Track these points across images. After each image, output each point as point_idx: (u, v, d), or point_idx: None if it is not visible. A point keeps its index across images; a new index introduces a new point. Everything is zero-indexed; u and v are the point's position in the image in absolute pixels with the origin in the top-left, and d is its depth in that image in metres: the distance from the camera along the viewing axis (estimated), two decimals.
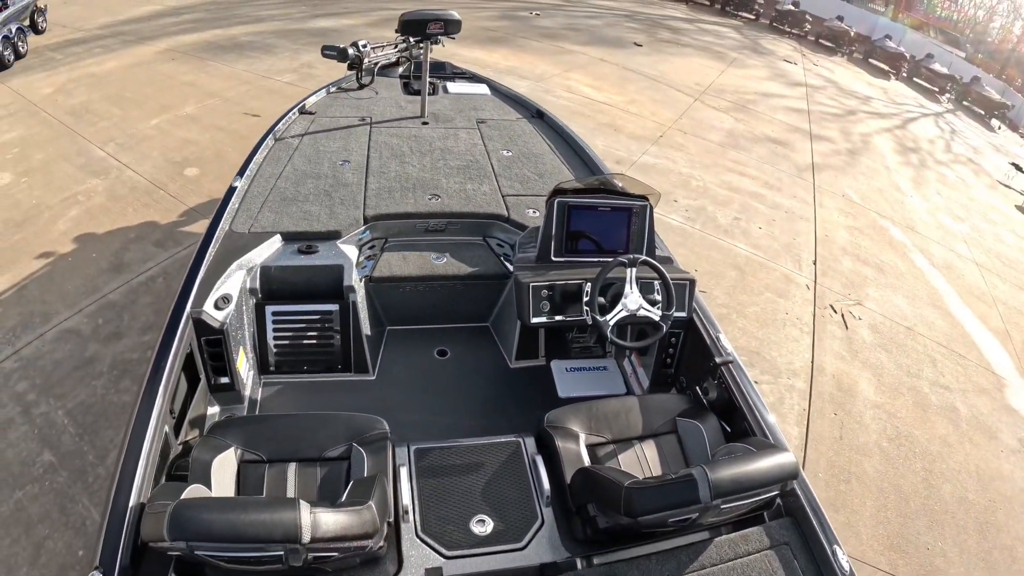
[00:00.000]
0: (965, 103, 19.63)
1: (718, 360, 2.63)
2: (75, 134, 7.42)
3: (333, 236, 3.28)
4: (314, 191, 3.65)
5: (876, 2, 30.61)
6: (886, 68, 19.90)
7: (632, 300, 2.65)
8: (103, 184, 6.41)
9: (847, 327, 5.75)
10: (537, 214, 3.57)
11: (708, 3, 22.53)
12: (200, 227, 5.60)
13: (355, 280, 3.10)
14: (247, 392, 2.93)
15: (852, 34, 20.67)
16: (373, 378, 3.21)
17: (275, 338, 3.11)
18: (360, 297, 3.16)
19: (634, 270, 2.65)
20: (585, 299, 2.73)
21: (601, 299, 2.68)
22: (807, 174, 8.56)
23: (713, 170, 7.83)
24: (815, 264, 6.49)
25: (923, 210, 9.06)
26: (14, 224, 5.71)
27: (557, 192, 2.95)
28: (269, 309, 3.08)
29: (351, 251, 3.26)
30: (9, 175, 6.51)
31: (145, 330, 4.49)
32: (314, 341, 3.15)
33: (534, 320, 2.76)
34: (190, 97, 8.73)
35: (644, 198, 3.03)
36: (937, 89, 19.62)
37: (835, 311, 5.91)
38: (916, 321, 6.12)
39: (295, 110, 4.71)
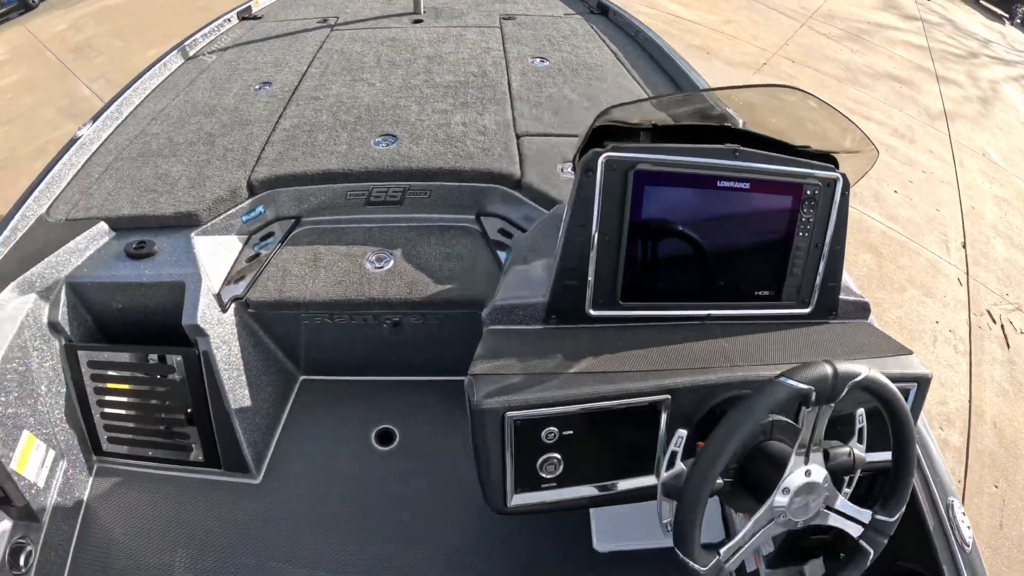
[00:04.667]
0: None
1: None
2: (69, 73, 6.40)
3: (187, 223, 1.70)
4: (193, 137, 1.99)
5: None
6: (998, 11, 16.46)
7: (808, 494, 0.84)
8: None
9: (1009, 345, 3.77)
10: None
11: None
12: None
13: (208, 312, 1.54)
14: (50, 499, 1.51)
15: None
16: (257, 482, 1.64)
17: (101, 403, 1.61)
18: (224, 336, 1.58)
19: (827, 409, 0.82)
20: (665, 473, 0.93)
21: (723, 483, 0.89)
22: (940, 123, 6.21)
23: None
24: (965, 248, 4.33)
25: None
26: None
27: (605, 132, 1.10)
28: (84, 357, 1.58)
29: (222, 251, 1.72)
30: None
31: None
32: (158, 414, 1.65)
33: (514, 502, 0.96)
34: (200, 23, 6.89)
35: (829, 161, 1.14)
36: None
37: (994, 320, 3.91)
38: None
39: (232, 14, 2.98)
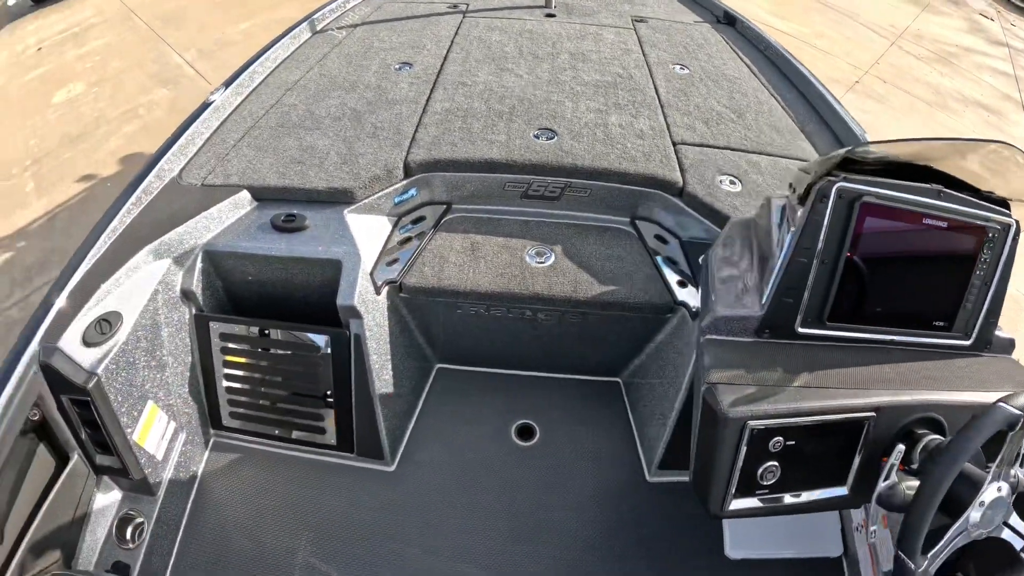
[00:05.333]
0: None
1: None
2: (159, 40, 6.43)
3: (340, 200, 1.65)
4: (336, 111, 1.95)
5: None
6: None
7: (996, 509, 0.95)
8: (169, 96, 5.33)
9: None
10: (737, 187, 1.76)
11: None
12: None
13: (363, 294, 1.50)
14: (166, 473, 1.43)
15: None
16: (391, 469, 1.59)
17: (227, 377, 1.55)
18: (376, 320, 1.54)
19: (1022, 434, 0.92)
20: (883, 482, 1.03)
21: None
22: None
23: (922, 135, 5.47)
24: None
25: None
26: (69, 140, 4.80)
27: (845, 165, 1.16)
28: (216, 328, 1.53)
29: (373, 231, 1.67)
30: (82, 85, 5.67)
31: None
32: (290, 392, 1.57)
33: (733, 506, 1.07)
34: None
35: (1005, 206, 1.22)
36: None
37: None
38: None
39: None
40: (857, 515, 1.52)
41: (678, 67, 2.43)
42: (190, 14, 6.99)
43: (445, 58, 2.35)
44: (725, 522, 1.53)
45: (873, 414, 1.07)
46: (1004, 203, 1.26)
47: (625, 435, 1.69)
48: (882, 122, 5.48)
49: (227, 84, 2.10)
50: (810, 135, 2.12)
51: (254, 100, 2.09)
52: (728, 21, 3.00)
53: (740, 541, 1.50)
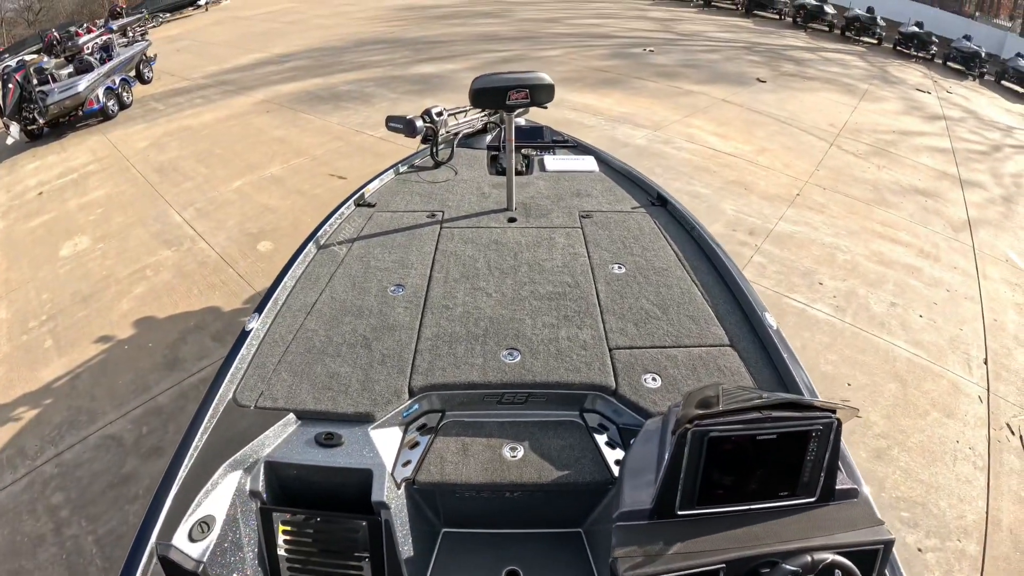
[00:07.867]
0: None
1: None
2: (158, 195, 6.80)
3: (364, 420, 2.12)
4: (350, 338, 2.43)
5: (1001, 17, 26.39)
6: (1021, 90, 16.61)
7: None
8: (173, 257, 5.62)
9: None
10: (657, 383, 2.21)
11: (827, 30, 19.74)
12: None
13: (389, 491, 1.95)
14: None
15: (983, 55, 17.48)
16: None
17: (287, 552, 2.00)
18: (398, 508, 2.01)
19: None
20: None
21: None
22: (964, 235, 6.60)
23: (860, 237, 6.04)
24: (986, 364, 4.75)
25: None
26: (81, 298, 5.11)
27: (694, 418, 1.62)
28: (277, 518, 1.98)
29: (389, 440, 2.12)
30: (88, 239, 5.99)
31: None
32: (337, 560, 2.03)
33: None
34: (277, 155, 7.85)
35: (830, 412, 1.66)
36: None
37: (1012, 432, 4.20)
38: None
39: (351, 201, 3.40)
40: None
41: (616, 266, 2.84)
42: (183, 168, 7.40)
43: (430, 278, 2.78)
44: None
45: (723, 566, 1.50)
46: (832, 408, 1.65)
47: (587, 571, 2.07)
48: (822, 233, 6.03)
49: (259, 311, 2.54)
50: (722, 318, 2.53)
51: (281, 323, 2.53)
52: (661, 202, 3.44)
53: None
